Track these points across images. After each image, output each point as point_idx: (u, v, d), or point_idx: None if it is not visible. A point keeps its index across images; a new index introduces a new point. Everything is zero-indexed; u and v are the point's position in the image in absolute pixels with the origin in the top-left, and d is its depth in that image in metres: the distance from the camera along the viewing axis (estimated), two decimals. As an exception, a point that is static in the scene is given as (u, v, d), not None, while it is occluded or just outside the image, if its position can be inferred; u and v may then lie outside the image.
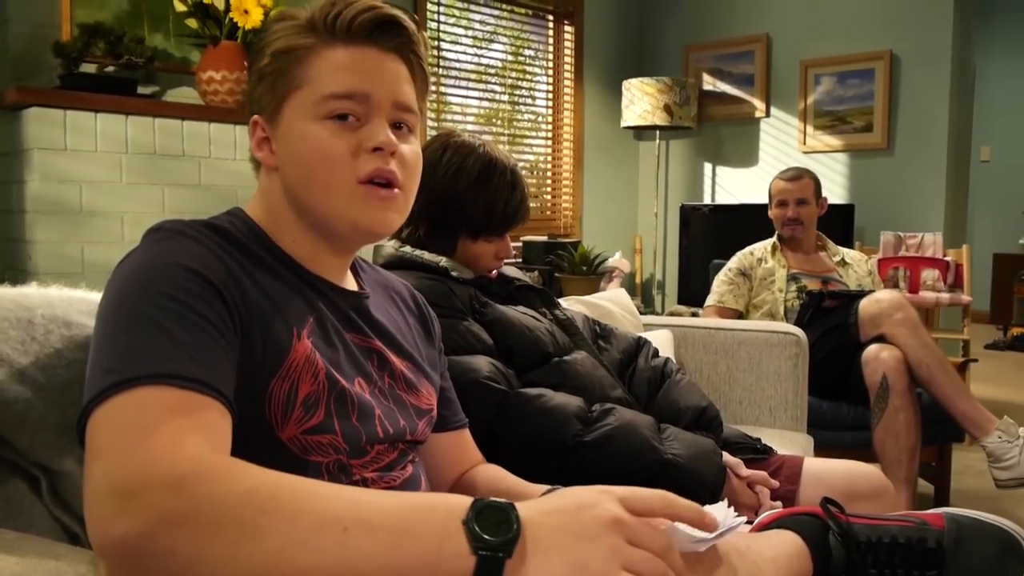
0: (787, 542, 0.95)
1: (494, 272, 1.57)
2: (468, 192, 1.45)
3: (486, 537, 0.64)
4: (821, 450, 2.33)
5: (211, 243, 0.85)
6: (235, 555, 0.61)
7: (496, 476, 1.13)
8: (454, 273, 1.47)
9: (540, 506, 0.69)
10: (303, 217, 0.93)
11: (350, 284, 1.02)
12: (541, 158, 4.91)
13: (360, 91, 0.90)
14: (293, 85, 0.91)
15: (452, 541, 0.64)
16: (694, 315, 4.02)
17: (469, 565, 0.64)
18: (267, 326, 0.84)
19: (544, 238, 4.45)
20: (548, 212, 4.95)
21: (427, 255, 1.48)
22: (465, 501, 0.67)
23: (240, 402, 0.77)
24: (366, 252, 1.50)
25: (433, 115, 4.23)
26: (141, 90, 2.80)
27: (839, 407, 2.59)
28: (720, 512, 0.81)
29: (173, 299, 0.76)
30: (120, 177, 2.64)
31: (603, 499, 0.69)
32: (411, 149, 0.95)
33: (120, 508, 0.62)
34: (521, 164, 4.74)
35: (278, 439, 0.83)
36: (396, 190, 0.92)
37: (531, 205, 4.79)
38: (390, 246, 1.50)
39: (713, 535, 0.76)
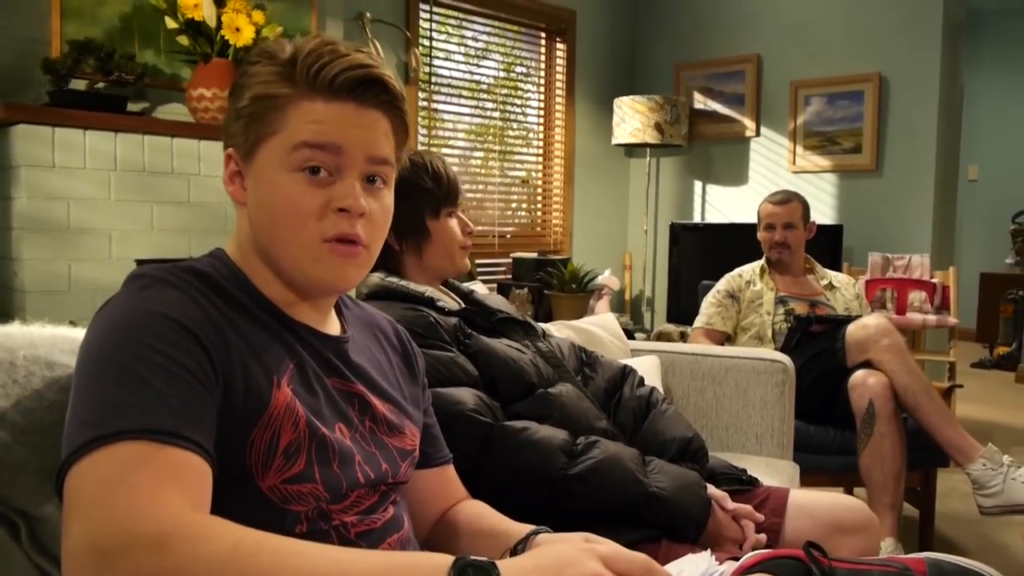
0: (769, 587, 0.95)
1: (466, 286, 1.61)
2: (413, 175, 1.50)
3: None
4: (807, 475, 2.33)
5: (193, 291, 0.85)
6: None
7: (478, 514, 1.12)
8: (439, 303, 1.47)
9: (521, 564, 0.70)
10: (267, 262, 0.93)
11: (332, 325, 1.01)
12: (532, 174, 4.92)
13: (333, 143, 0.89)
14: (268, 130, 0.90)
15: None
16: (683, 334, 4.03)
17: None
18: (248, 375, 0.83)
19: (534, 255, 4.45)
20: (538, 228, 4.95)
21: (412, 285, 1.48)
22: (446, 560, 0.67)
23: (221, 451, 0.77)
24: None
25: (424, 130, 4.24)
26: (131, 107, 2.79)
27: (825, 431, 2.59)
28: (703, 563, 0.81)
29: (154, 350, 0.76)
30: (108, 194, 2.63)
31: (585, 557, 0.70)
32: (380, 206, 0.94)
33: (100, 567, 0.62)
34: (511, 179, 4.75)
35: (258, 488, 0.82)
36: (360, 247, 0.92)
37: (522, 221, 4.83)
38: (375, 276, 1.50)
39: None
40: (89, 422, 0.71)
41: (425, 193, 1.51)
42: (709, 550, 0.87)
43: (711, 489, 1.44)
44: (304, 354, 0.92)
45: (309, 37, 0.92)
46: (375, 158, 0.92)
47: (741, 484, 1.59)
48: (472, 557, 0.67)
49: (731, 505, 1.43)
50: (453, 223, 1.55)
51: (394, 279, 1.49)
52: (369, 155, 0.91)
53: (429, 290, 1.49)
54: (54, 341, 0.92)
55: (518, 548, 0.97)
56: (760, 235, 3.08)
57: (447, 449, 1.18)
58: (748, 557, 1.03)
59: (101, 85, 2.73)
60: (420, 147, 4.13)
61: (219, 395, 0.79)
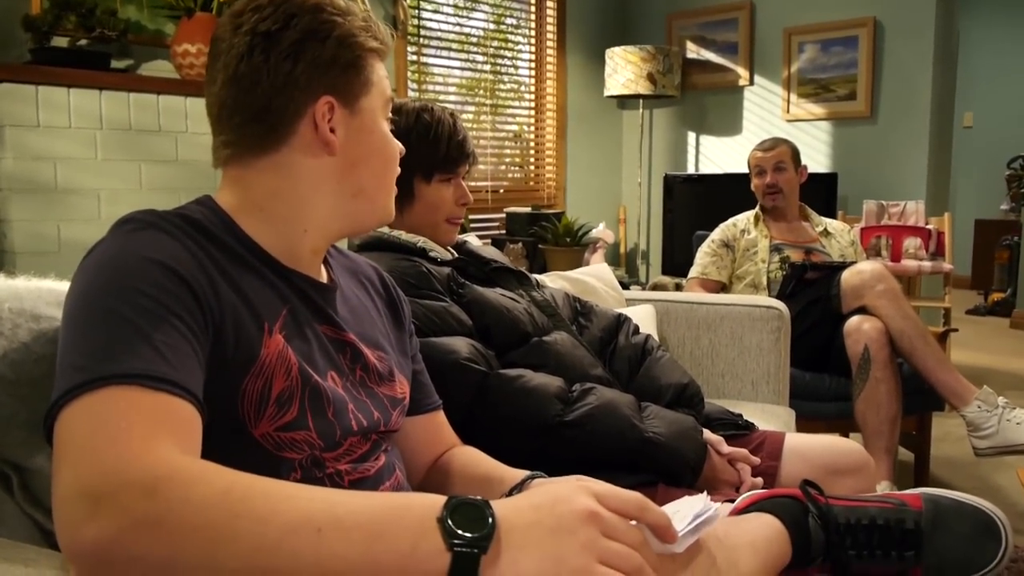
0: (766, 525, 0.96)
1: (459, 238, 1.57)
2: (411, 129, 1.46)
3: (461, 533, 0.64)
4: (803, 421, 2.34)
5: (183, 235, 0.83)
6: (209, 558, 0.60)
7: (472, 460, 1.12)
8: (432, 254, 1.45)
9: (515, 502, 0.69)
10: (348, 207, 0.97)
11: (321, 274, 1.00)
12: (524, 128, 4.87)
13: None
14: (371, 79, 0.96)
15: (427, 539, 0.64)
16: (678, 286, 4.03)
17: (444, 562, 0.64)
18: (239, 322, 0.82)
19: (528, 209, 4.43)
20: (531, 183, 4.92)
21: (404, 235, 1.46)
22: (439, 499, 0.67)
23: (213, 400, 0.76)
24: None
25: (415, 84, 4.18)
26: (115, 64, 2.75)
27: (821, 378, 2.60)
28: (699, 504, 0.81)
29: (143, 294, 0.74)
30: (95, 153, 2.60)
31: (578, 493, 0.70)
32: None
33: (91, 512, 0.61)
34: (504, 134, 4.71)
35: (251, 437, 0.82)
36: None
37: (515, 175, 4.79)
38: (368, 227, 1.49)
39: (690, 528, 0.76)
40: (77, 366, 0.70)
41: (417, 152, 1.44)
42: (705, 492, 0.87)
43: (707, 433, 1.44)
44: (296, 301, 0.92)
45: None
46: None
47: (737, 429, 1.60)
48: (466, 496, 0.67)
49: (727, 449, 1.43)
50: (446, 191, 1.49)
51: (385, 229, 1.47)
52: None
53: (421, 240, 1.48)
54: (39, 294, 0.91)
55: (513, 493, 0.97)
56: (753, 183, 3.06)
57: (436, 395, 1.18)
58: (745, 497, 1.03)
59: (83, 42, 2.68)
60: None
61: (208, 342, 0.78)
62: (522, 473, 1.02)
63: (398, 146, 1.01)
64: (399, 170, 1.02)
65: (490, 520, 0.66)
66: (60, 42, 2.65)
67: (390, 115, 1.01)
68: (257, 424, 0.82)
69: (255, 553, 0.61)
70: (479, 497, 0.67)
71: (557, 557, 0.66)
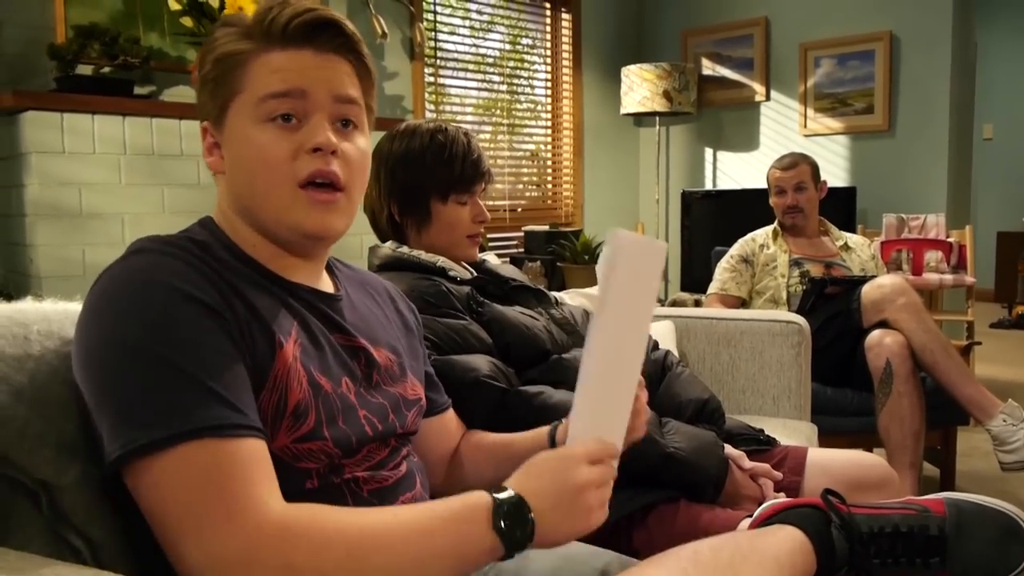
0: (789, 538, 0.95)
1: (478, 256, 1.58)
2: (426, 150, 1.46)
3: (512, 535, 0.79)
4: (826, 437, 2.32)
5: (194, 259, 0.85)
6: None
7: (477, 441, 1.23)
8: (451, 273, 1.46)
9: (532, 487, 0.82)
10: (252, 222, 0.93)
11: (327, 284, 1.02)
12: (541, 147, 4.90)
13: (296, 88, 0.89)
14: (234, 90, 0.90)
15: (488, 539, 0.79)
16: (697, 302, 4.02)
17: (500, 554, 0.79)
18: (254, 338, 0.84)
19: (546, 228, 4.44)
20: (549, 201, 4.94)
21: (424, 255, 1.47)
22: (486, 504, 0.80)
23: None
24: (361, 253, 1.51)
25: (432, 105, 4.21)
26: (138, 90, 2.79)
27: (843, 393, 2.58)
28: None
29: (188, 340, 0.77)
30: (119, 178, 2.63)
31: (572, 475, 0.83)
32: (355, 147, 0.94)
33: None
34: (521, 153, 4.73)
35: (270, 450, 0.83)
36: (339, 193, 0.92)
37: (532, 194, 4.81)
38: (387, 247, 1.50)
39: None
40: (144, 422, 0.73)
41: (432, 173, 1.46)
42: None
43: (728, 448, 1.44)
44: (306, 313, 0.93)
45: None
46: (341, 96, 0.92)
47: (759, 444, 1.59)
48: (501, 498, 0.79)
49: (748, 464, 1.43)
50: (463, 210, 1.49)
51: (405, 249, 1.49)
52: (335, 95, 0.92)
53: (440, 259, 1.49)
54: (67, 316, 0.92)
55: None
56: (772, 201, 3.05)
57: (445, 394, 1.22)
58: (766, 507, 1.03)
59: (107, 69, 2.73)
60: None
61: (244, 364, 0.81)
62: (529, 435, 1.14)
63: (269, 147, 0.89)
64: (277, 171, 0.89)
65: (528, 515, 0.80)
66: (84, 70, 2.69)
67: (280, 111, 0.89)
68: (275, 438, 0.83)
69: None
70: (510, 498, 0.80)
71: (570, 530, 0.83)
